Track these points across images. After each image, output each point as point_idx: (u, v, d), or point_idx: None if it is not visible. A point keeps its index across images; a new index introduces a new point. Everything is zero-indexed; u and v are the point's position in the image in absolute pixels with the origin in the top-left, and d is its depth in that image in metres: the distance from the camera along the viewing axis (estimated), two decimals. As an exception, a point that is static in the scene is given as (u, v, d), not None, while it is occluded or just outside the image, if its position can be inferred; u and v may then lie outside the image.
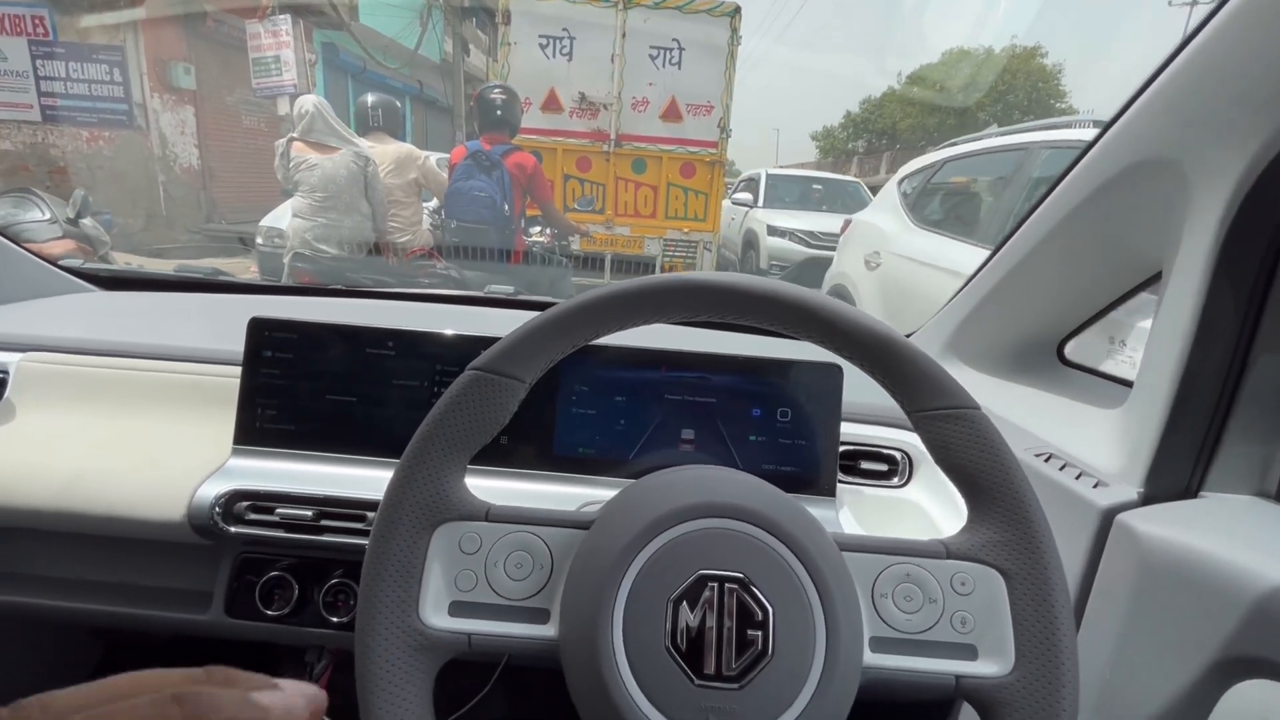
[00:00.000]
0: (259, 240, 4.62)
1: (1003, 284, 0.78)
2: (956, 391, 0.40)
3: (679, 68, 4.71)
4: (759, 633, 0.35)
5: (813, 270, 5.56)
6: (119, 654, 1.07)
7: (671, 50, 4.67)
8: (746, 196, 7.46)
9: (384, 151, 2.83)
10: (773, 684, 0.34)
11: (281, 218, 4.86)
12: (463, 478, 0.41)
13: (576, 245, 3.23)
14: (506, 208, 2.80)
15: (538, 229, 3.07)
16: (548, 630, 0.38)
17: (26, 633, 0.92)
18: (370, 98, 2.91)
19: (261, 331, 0.73)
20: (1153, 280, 0.65)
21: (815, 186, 7.86)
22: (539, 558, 0.39)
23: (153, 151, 7.91)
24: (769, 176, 7.77)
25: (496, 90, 2.87)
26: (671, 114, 4.79)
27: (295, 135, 2.65)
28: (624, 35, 4.60)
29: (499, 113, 2.83)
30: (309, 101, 2.65)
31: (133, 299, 1.10)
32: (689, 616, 0.35)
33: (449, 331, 0.73)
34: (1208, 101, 0.50)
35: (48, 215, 2.79)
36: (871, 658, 0.38)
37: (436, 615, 0.38)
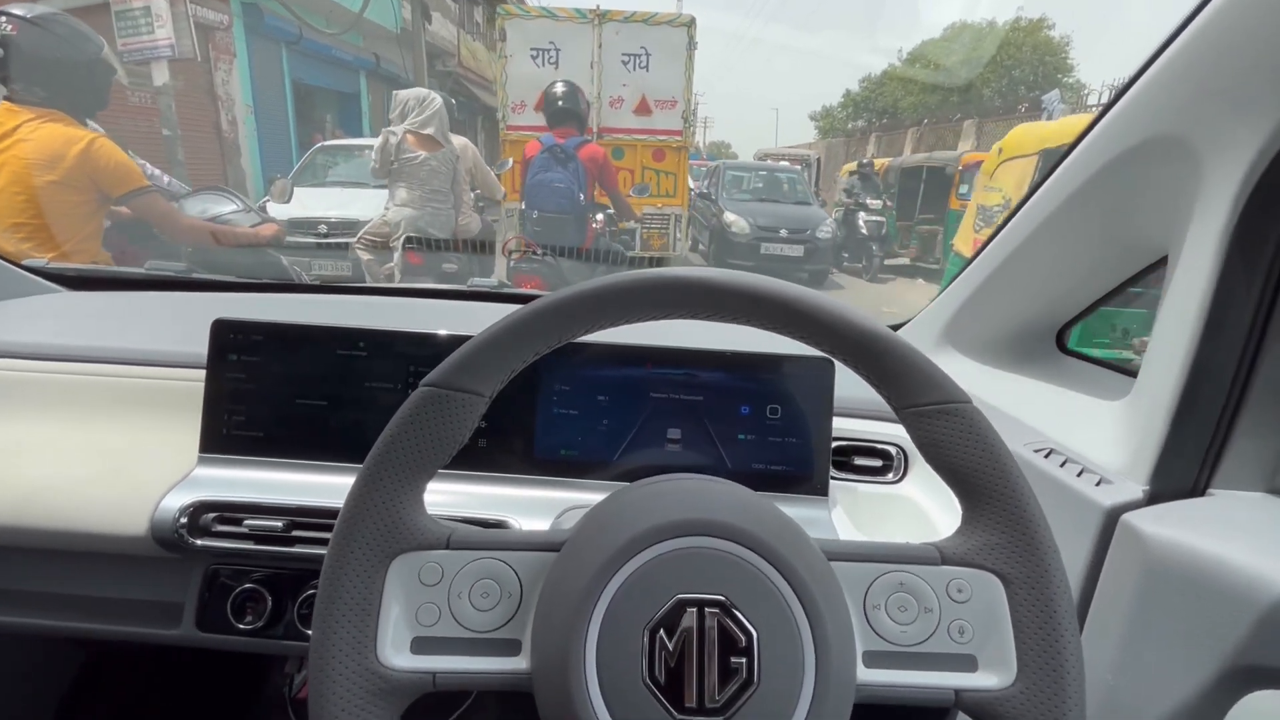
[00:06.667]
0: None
1: (1001, 269, 0.75)
2: (945, 385, 0.37)
3: (647, 70, 5.63)
4: (743, 659, 0.33)
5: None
6: (101, 662, 1.06)
7: (640, 56, 5.60)
8: None
9: (458, 144, 3.05)
10: (760, 713, 0.32)
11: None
12: (421, 503, 0.38)
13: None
14: (582, 197, 3.08)
15: (598, 215, 3.36)
16: (520, 663, 0.35)
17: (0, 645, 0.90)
18: (439, 96, 3.06)
19: (226, 333, 0.70)
20: (1158, 265, 0.62)
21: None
22: (507, 585, 0.37)
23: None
24: None
25: (560, 86, 3.02)
26: (642, 109, 5.72)
27: (411, 127, 2.70)
28: (600, 46, 5.52)
29: (562, 104, 3.00)
30: (437, 100, 2.76)
31: (100, 299, 1.06)
32: (667, 645, 0.33)
33: (422, 330, 0.70)
34: (1221, 72, 0.47)
35: (240, 205, 2.76)
36: (865, 674, 0.36)
37: (397, 654, 0.36)
